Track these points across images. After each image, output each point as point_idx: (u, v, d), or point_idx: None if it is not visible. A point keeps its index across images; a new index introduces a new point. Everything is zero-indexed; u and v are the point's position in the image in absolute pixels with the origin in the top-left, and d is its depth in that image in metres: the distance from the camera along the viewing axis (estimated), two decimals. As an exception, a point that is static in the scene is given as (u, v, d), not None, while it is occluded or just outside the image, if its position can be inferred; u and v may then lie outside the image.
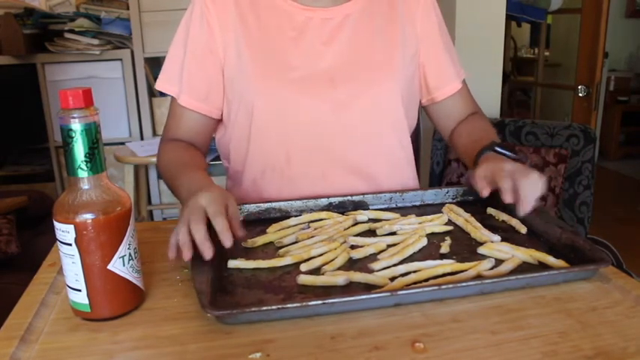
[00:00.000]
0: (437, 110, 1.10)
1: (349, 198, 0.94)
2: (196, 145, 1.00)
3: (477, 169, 0.88)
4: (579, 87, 2.58)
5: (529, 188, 0.80)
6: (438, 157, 2.03)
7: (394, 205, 0.96)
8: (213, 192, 0.74)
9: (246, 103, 0.96)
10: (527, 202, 0.80)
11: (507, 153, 0.92)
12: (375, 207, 0.94)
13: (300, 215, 0.90)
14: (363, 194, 0.95)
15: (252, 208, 0.91)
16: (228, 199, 0.75)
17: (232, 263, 0.73)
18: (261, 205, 0.91)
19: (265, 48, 0.95)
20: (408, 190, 0.97)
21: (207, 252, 0.67)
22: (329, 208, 0.93)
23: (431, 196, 0.98)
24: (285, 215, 0.91)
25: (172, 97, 1.00)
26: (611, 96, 4.69)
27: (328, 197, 0.94)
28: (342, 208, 0.93)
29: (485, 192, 0.84)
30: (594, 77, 2.51)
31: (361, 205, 0.94)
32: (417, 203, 0.97)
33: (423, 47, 1.04)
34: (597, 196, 1.91)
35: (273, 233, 0.83)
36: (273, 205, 0.92)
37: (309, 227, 0.86)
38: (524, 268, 0.72)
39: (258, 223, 0.88)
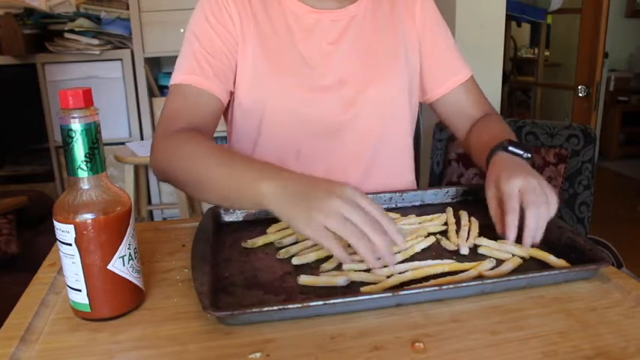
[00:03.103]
0: (443, 106, 1.08)
1: (349, 198, 0.94)
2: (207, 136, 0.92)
3: (486, 182, 0.82)
4: (579, 87, 2.58)
5: (535, 221, 0.73)
6: (438, 157, 2.02)
7: (394, 205, 0.96)
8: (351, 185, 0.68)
9: (258, 100, 0.97)
10: (528, 237, 0.73)
11: (520, 152, 0.85)
12: (375, 207, 0.94)
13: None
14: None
15: (252, 208, 0.91)
16: None
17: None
18: (261, 205, 0.91)
19: (277, 46, 0.97)
20: (408, 190, 0.97)
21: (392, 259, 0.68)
22: (329, 208, 0.93)
23: (431, 196, 0.98)
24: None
25: (183, 84, 0.92)
26: (611, 96, 4.69)
27: (328, 197, 0.93)
28: (342, 208, 0.93)
29: (506, 232, 0.75)
30: (594, 77, 2.51)
31: (361, 205, 0.94)
32: (417, 203, 0.97)
33: (423, 42, 1.05)
34: (597, 196, 1.90)
35: (273, 234, 0.83)
36: (273, 205, 0.92)
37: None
38: (524, 268, 0.72)
39: (258, 223, 0.87)
